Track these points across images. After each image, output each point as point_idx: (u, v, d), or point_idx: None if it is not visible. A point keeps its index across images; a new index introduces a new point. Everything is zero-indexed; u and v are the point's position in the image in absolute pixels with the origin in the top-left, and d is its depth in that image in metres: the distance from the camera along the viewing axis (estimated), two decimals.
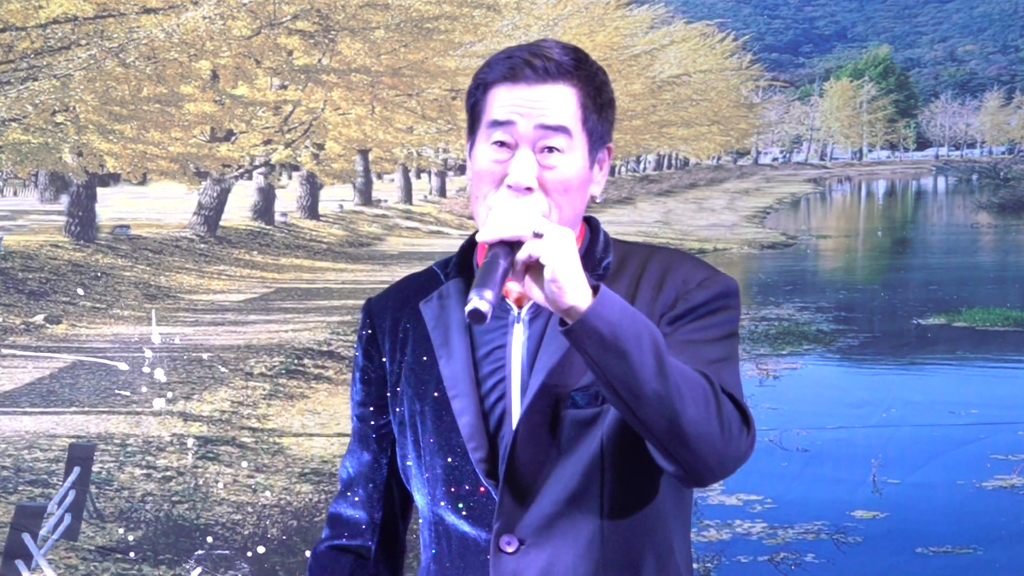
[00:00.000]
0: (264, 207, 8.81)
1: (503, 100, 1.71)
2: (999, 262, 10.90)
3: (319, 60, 8.07)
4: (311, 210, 9.09)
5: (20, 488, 6.15)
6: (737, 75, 11.11)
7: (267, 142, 8.30)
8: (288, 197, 9.07)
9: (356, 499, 1.91)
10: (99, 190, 8.07)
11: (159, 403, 6.80)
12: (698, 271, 1.76)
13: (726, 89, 11.10)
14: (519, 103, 1.70)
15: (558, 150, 1.70)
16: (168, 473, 6.38)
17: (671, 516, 1.77)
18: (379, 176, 9.81)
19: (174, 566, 5.83)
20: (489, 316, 1.51)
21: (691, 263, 1.78)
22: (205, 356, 7.18)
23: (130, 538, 5.94)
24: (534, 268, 1.56)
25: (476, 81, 1.76)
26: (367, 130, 8.56)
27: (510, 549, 1.70)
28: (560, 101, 1.71)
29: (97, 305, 7.54)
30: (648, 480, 1.73)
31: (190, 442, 6.55)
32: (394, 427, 1.84)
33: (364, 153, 9.20)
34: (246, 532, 6.06)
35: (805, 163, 12.38)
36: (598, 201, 1.79)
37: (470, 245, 1.83)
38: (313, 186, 9.08)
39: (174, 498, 6.24)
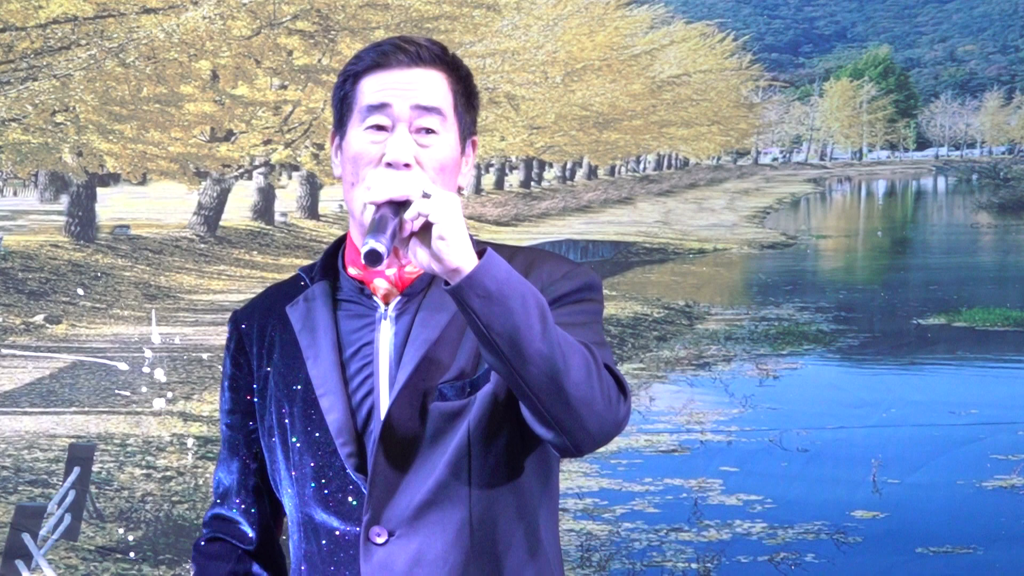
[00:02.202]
0: (264, 207, 8.81)
1: (376, 85, 1.73)
2: (999, 262, 10.89)
3: (319, 60, 8.07)
4: (311, 210, 9.09)
5: (20, 488, 6.15)
6: (737, 75, 11.11)
7: (267, 142, 8.30)
8: (288, 197, 9.07)
9: (233, 507, 1.92)
10: (99, 190, 8.07)
11: (159, 403, 6.80)
12: (561, 265, 1.79)
13: (726, 89, 11.10)
14: (393, 86, 1.73)
15: (433, 131, 1.73)
16: (168, 473, 6.38)
17: (538, 502, 1.79)
18: None
19: (174, 566, 5.83)
20: (386, 257, 1.53)
21: (553, 259, 1.81)
22: (205, 356, 7.18)
23: (130, 538, 5.94)
24: (421, 230, 1.57)
25: (344, 75, 1.78)
26: None
27: (380, 540, 1.72)
28: (433, 84, 1.74)
29: (97, 305, 7.54)
30: (515, 468, 1.75)
31: (190, 442, 6.55)
32: (262, 433, 1.85)
33: None
34: None
35: (805, 163, 12.38)
36: (464, 193, 1.81)
37: (335, 249, 1.85)
38: (313, 186, 9.08)
39: (174, 498, 6.24)
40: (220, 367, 7.45)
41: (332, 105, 1.81)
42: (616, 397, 1.66)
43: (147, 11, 7.11)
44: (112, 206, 8.27)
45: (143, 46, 7.14)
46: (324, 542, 1.77)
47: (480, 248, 1.60)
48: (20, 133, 7.24)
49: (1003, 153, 12.13)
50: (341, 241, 1.85)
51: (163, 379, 6.96)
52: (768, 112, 11.97)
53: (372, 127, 1.73)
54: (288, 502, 1.83)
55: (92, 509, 6.02)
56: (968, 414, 7.56)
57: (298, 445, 1.78)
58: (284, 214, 8.96)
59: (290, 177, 9.30)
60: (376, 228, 1.55)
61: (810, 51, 12.86)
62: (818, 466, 6.98)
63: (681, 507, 6.51)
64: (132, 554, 5.85)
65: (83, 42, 7.08)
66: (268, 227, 8.80)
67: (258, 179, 8.76)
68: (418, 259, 1.59)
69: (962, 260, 10.80)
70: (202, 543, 1.95)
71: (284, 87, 8.22)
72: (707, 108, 10.96)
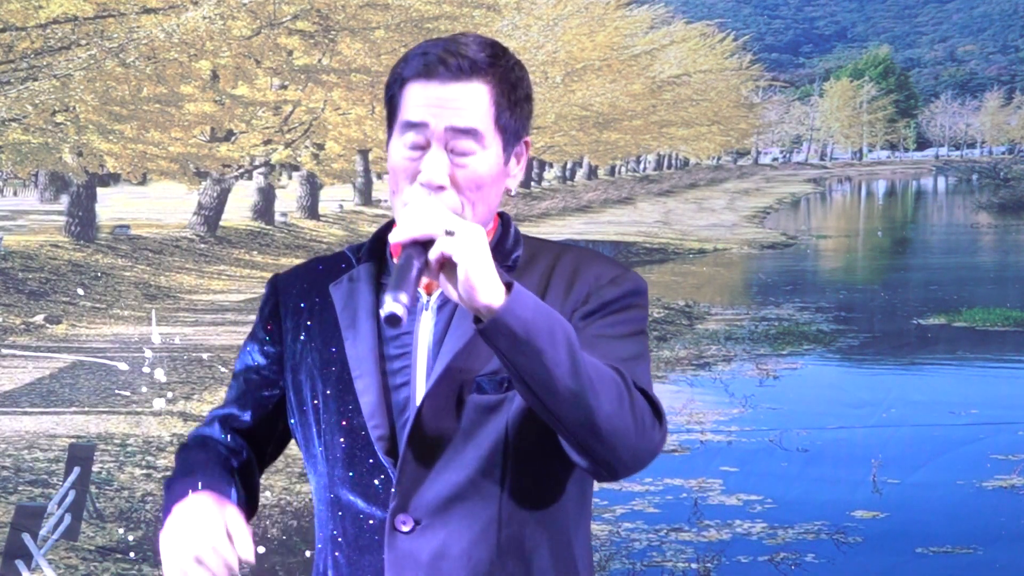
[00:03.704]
0: (264, 207, 8.82)
1: (417, 99, 1.73)
2: (999, 262, 10.90)
3: (319, 60, 8.07)
4: (311, 210, 9.10)
5: (20, 488, 6.15)
6: (737, 75, 11.12)
7: (267, 142, 8.30)
8: (288, 197, 9.07)
9: (220, 434, 1.92)
10: (99, 190, 8.07)
11: (159, 403, 6.80)
12: (609, 269, 1.78)
13: (726, 89, 11.11)
14: (432, 103, 1.72)
15: (469, 152, 1.72)
16: (168, 473, 6.38)
17: (572, 507, 1.78)
18: (379, 176, 9.81)
19: None
20: (405, 319, 1.51)
21: (602, 261, 1.80)
22: (205, 356, 7.18)
23: (130, 538, 5.94)
24: (448, 266, 1.56)
25: (393, 75, 1.77)
26: (367, 130, 8.57)
27: (405, 528, 1.71)
28: (472, 100, 1.72)
29: (97, 305, 7.54)
30: (552, 470, 1.74)
31: None
32: (293, 408, 1.85)
33: (364, 153, 9.21)
34: None
35: (805, 163, 12.38)
36: (513, 194, 1.81)
37: (384, 231, 1.84)
38: (313, 186, 9.08)
39: None
40: (220, 367, 7.42)
41: (384, 101, 1.81)
42: (651, 423, 1.64)
43: (147, 11, 7.12)
44: (112, 206, 8.27)
45: (143, 46, 7.15)
46: (349, 525, 1.77)
47: (508, 280, 1.57)
48: (20, 133, 7.24)
49: (1003, 153, 12.14)
50: (391, 224, 1.84)
51: (163, 379, 6.96)
52: (768, 112, 11.98)
53: (409, 145, 1.73)
54: (317, 481, 1.82)
55: (92, 509, 6.02)
56: (968, 414, 7.57)
57: (331, 425, 1.78)
58: (284, 214, 8.96)
59: (290, 177, 9.30)
60: (397, 283, 1.53)
61: (810, 51, 12.87)
62: (818, 466, 6.99)
63: (681, 507, 6.51)
64: (132, 554, 5.85)
65: (83, 42, 7.08)
66: (268, 227, 8.80)
67: (258, 179, 8.76)
68: (449, 294, 1.59)
69: (962, 260, 10.81)
70: (185, 444, 1.97)
71: (284, 87, 8.23)
72: (707, 108, 10.97)
